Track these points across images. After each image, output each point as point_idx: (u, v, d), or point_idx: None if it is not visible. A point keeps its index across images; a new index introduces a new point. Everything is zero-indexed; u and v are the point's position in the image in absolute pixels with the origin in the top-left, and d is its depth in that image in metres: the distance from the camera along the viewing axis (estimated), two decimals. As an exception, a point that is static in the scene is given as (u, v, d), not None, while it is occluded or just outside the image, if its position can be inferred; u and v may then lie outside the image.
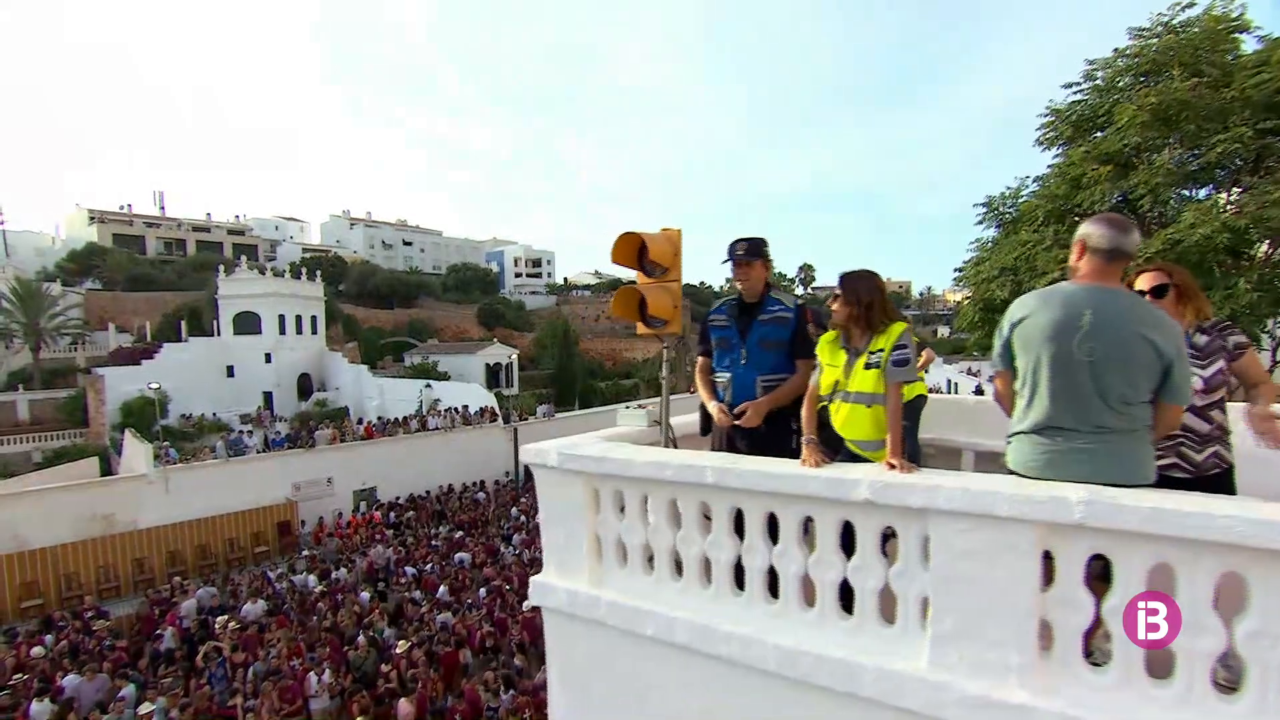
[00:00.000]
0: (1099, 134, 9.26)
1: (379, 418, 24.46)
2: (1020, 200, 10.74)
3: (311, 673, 10.61)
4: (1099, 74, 8.97)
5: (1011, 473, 2.28)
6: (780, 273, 77.99)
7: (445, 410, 25.24)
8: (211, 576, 17.46)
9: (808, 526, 2.54)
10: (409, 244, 73.60)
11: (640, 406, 3.47)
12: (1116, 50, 8.66)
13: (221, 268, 38.31)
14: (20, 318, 33.99)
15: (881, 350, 2.57)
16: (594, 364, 49.70)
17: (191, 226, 65.22)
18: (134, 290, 45.84)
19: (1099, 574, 1.98)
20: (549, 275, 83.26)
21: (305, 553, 18.25)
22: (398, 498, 22.13)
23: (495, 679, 10.21)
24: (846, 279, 2.66)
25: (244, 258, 42.47)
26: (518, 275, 78.40)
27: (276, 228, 69.85)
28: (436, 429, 23.63)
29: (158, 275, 49.40)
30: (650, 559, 2.93)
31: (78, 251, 50.11)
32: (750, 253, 3.08)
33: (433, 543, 17.81)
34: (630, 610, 2.84)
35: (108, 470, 26.27)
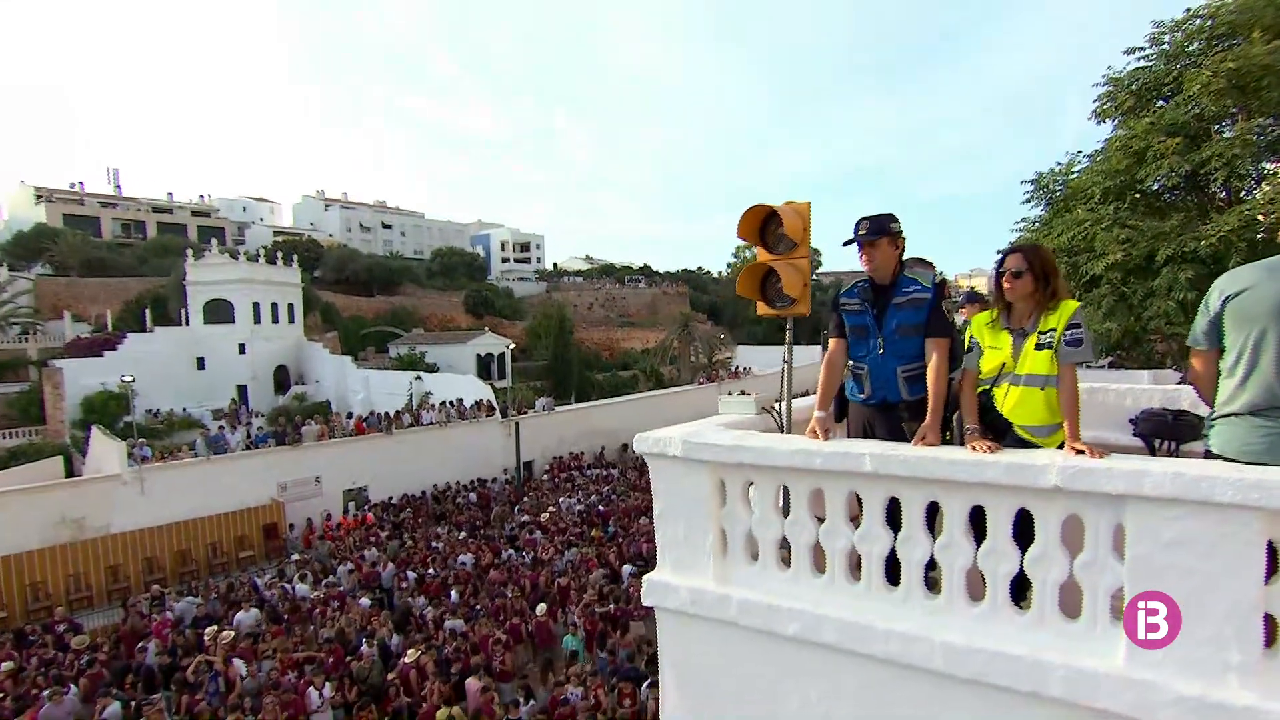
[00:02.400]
0: (1161, 103, 9.29)
1: (372, 412, 24.31)
2: (1071, 177, 10.76)
3: (312, 686, 10.59)
4: (1166, 38, 8.97)
5: (1215, 457, 2.28)
6: (785, 257, 77.88)
7: (439, 404, 25.13)
8: (194, 584, 17.35)
9: (932, 517, 2.56)
10: (389, 227, 73.07)
11: (744, 393, 3.44)
12: (1189, 11, 8.65)
13: (190, 251, 37.85)
14: (-40, 305, 33.50)
15: (1053, 330, 2.55)
16: (590, 355, 49.63)
17: (151, 207, 64.39)
18: (90, 276, 45.18)
19: None
20: (538, 260, 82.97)
21: (294, 557, 18.16)
22: (390, 498, 22.06)
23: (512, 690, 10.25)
24: (1025, 252, 2.64)
25: (213, 240, 41.97)
26: (505, 260, 78.10)
27: (245, 209, 69.13)
28: (431, 424, 23.52)
29: (116, 259, 48.73)
30: (782, 554, 2.92)
31: (25, 234, 49.27)
32: (874, 231, 2.97)
33: (433, 544, 17.78)
34: (767, 609, 2.83)
35: (71, 471, 26.01)
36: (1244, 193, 8.13)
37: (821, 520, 2.80)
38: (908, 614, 2.58)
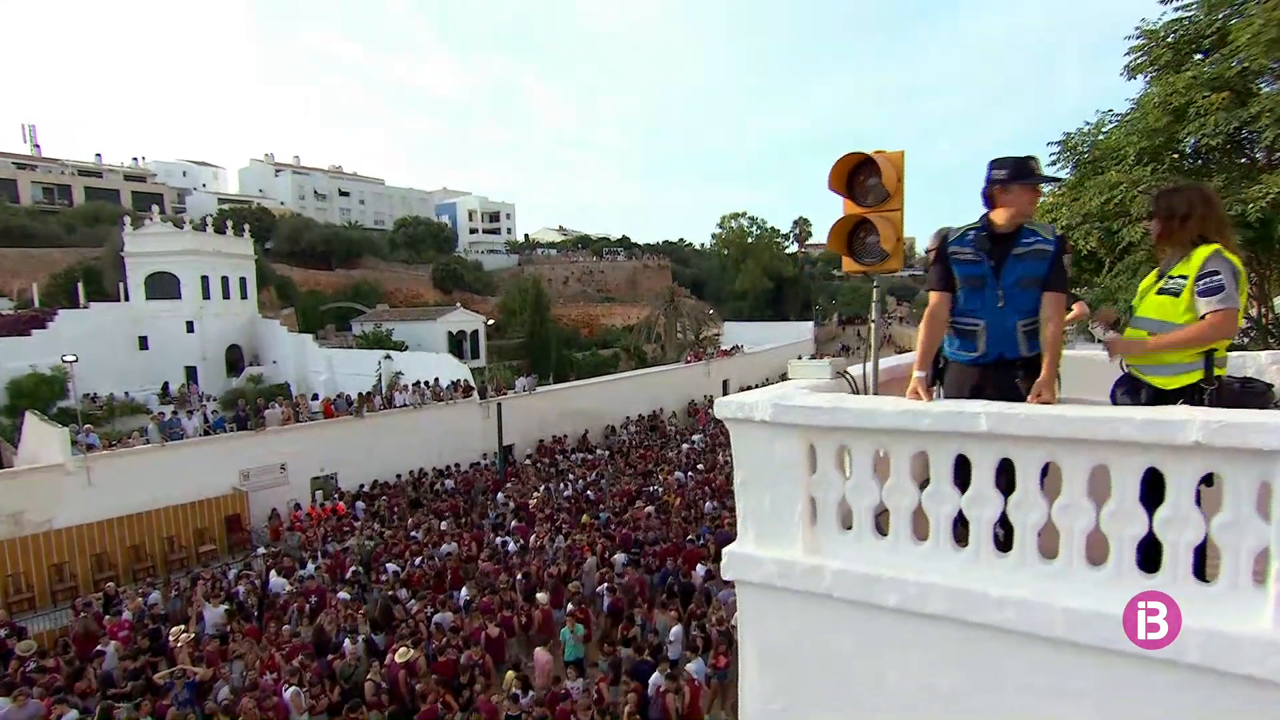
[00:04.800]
0: (1200, 56, 9.38)
1: (340, 394, 23.99)
2: (1100, 137, 10.87)
3: (292, 686, 10.54)
4: (1206, -15, 9.04)
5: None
6: (773, 227, 78.24)
7: (412, 385, 24.88)
8: (151, 580, 17.10)
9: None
10: (346, 194, 71.77)
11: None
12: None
13: (128, 220, 36.70)
14: None
15: (1183, 277, 2.58)
16: (568, 332, 49.49)
17: (77, 170, 62.37)
18: (8, 246, 43.67)
19: None
20: (509, 231, 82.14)
21: (261, 550, 17.96)
22: (362, 485, 21.87)
23: (514, 681, 10.31)
24: (1157, 195, 2.66)
25: (155, 208, 40.64)
26: (473, 231, 77.23)
27: (185, 173, 67.31)
28: (405, 406, 23.30)
29: (38, 228, 47.23)
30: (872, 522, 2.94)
31: (-75, 197, 47.46)
32: (1015, 174, 2.96)
33: (412, 534, 17.71)
34: (865, 579, 2.85)
35: (0, 462, 25.32)
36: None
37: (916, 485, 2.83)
38: (1022, 580, 2.62)
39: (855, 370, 3.65)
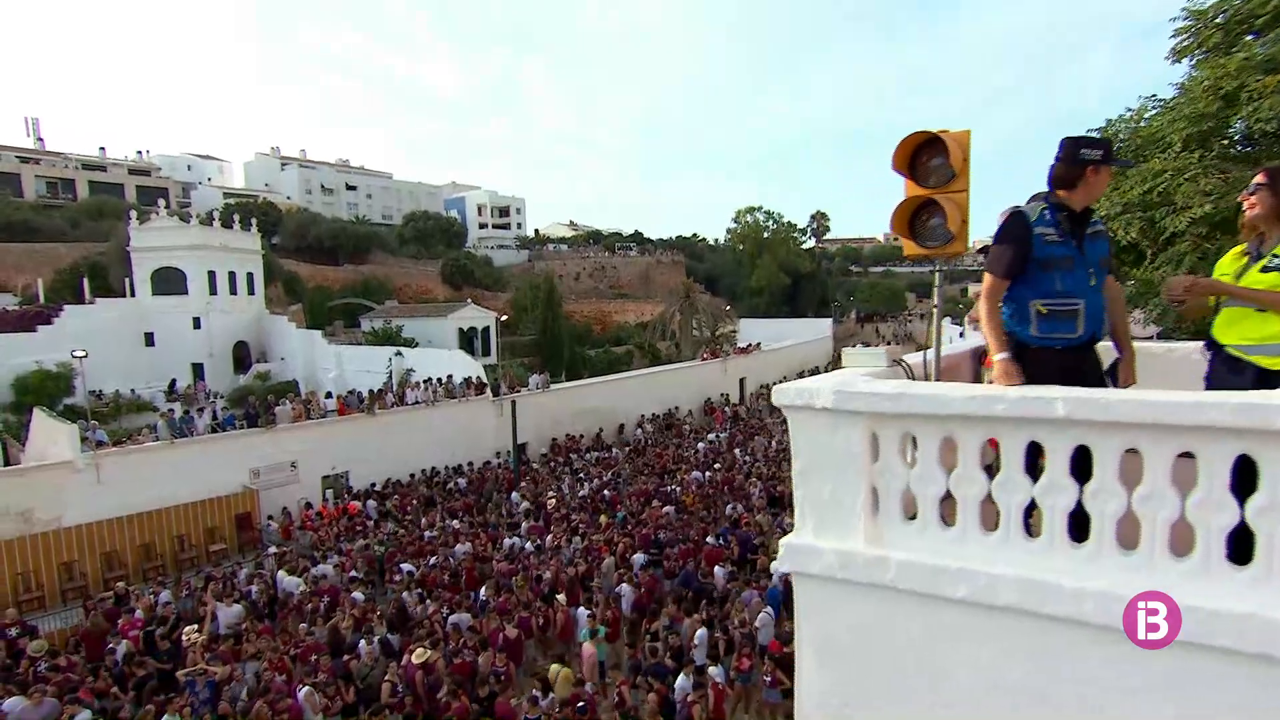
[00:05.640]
0: (1251, 37, 9.26)
1: (351, 391, 24.15)
2: (1141, 125, 10.76)
3: (307, 687, 10.62)
4: (1260, -37, 8.92)
5: None
6: (790, 222, 78.06)
7: (424, 382, 25.01)
8: (162, 579, 17.28)
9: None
10: (353, 188, 72.12)
11: (880, 342, 3.42)
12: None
13: (134, 214, 37.06)
14: None
15: None
16: (580, 329, 49.58)
17: (81, 163, 63.09)
18: (12, 241, 44.19)
19: None
20: (519, 226, 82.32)
21: (272, 550, 18.10)
22: (374, 484, 22.01)
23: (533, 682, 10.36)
24: (1270, 169, 2.65)
25: (160, 202, 41.06)
26: (483, 226, 77.43)
27: (189, 167, 67.93)
28: (417, 404, 23.43)
29: (42, 222, 47.81)
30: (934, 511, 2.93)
31: (-71, 190, 48.16)
32: (1107, 156, 3.04)
33: (427, 534, 17.80)
34: (930, 570, 2.84)
35: (6, 460, 25.65)
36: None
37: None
38: (1099, 571, 2.59)
39: (911, 359, 3.64)
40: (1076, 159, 3.04)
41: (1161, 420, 2.43)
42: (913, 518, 3.00)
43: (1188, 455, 2.47)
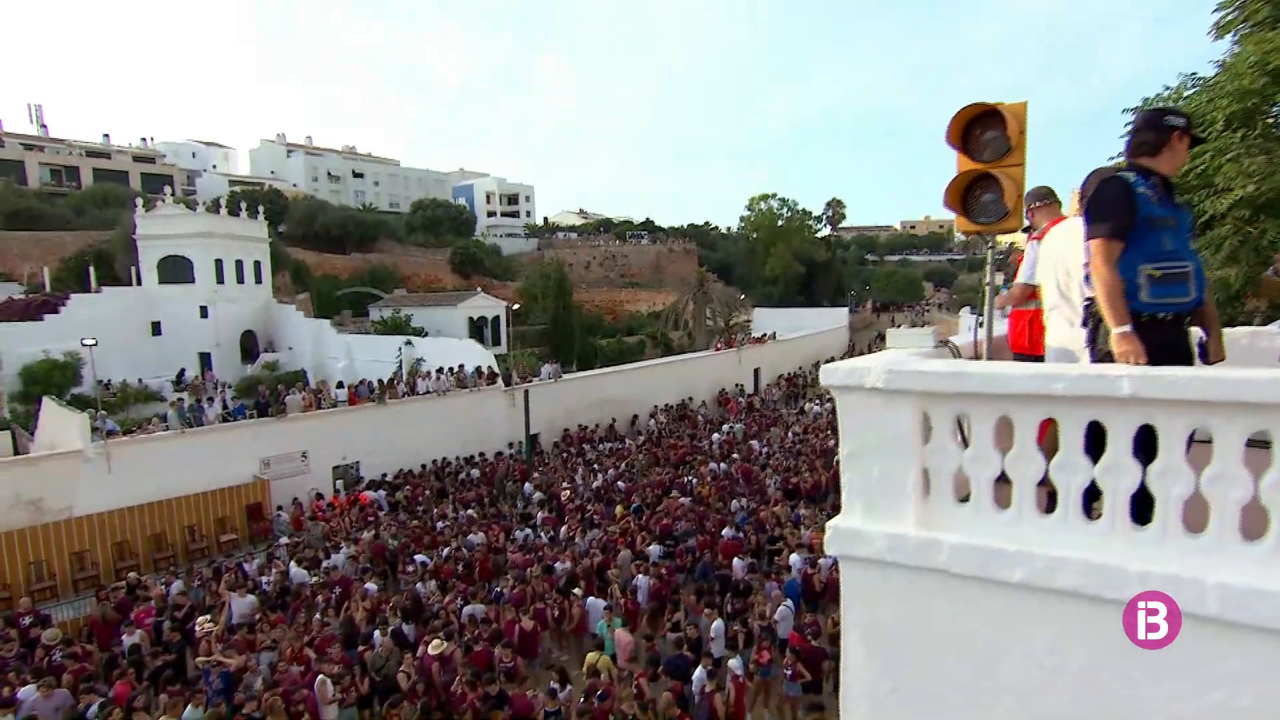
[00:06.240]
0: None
1: (362, 380, 24.29)
2: (1180, 103, 10.60)
3: (322, 677, 10.72)
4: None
5: None
6: (805, 209, 77.63)
7: (435, 371, 25.12)
8: (174, 569, 17.47)
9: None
10: (360, 176, 72.34)
11: (926, 323, 3.39)
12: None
13: (139, 202, 37.29)
14: None
15: None
16: (591, 318, 49.59)
17: (85, 151, 63.52)
18: (17, 229, 44.45)
19: None
20: (528, 214, 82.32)
21: (283, 540, 18.27)
22: (384, 474, 22.15)
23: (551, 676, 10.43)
24: None
25: (166, 189, 41.28)
26: (491, 214, 77.49)
27: (194, 154, 68.28)
28: (428, 393, 23.53)
29: (46, 210, 48.13)
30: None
31: (-67, 179, 48.56)
32: (1188, 126, 3.05)
33: (439, 525, 17.92)
34: (985, 554, 2.82)
35: (17, 449, 25.94)
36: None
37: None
38: (1165, 555, 2.56)
39: (958, 340, 3.60)
40: (1162, 125, 3.05)
41: (1237, 398, 2.40)
42: (964, 500, 2.98)
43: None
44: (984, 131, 3.17)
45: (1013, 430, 2.83)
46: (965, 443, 2.97)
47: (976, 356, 3.47)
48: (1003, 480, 2.90)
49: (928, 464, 2.99)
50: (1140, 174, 3.08)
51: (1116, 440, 2.63)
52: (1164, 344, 2.97)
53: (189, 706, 9.91)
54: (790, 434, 26.39)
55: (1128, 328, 2.87)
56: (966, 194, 3.26)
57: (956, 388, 2.82)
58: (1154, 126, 3.07)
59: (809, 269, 70.10)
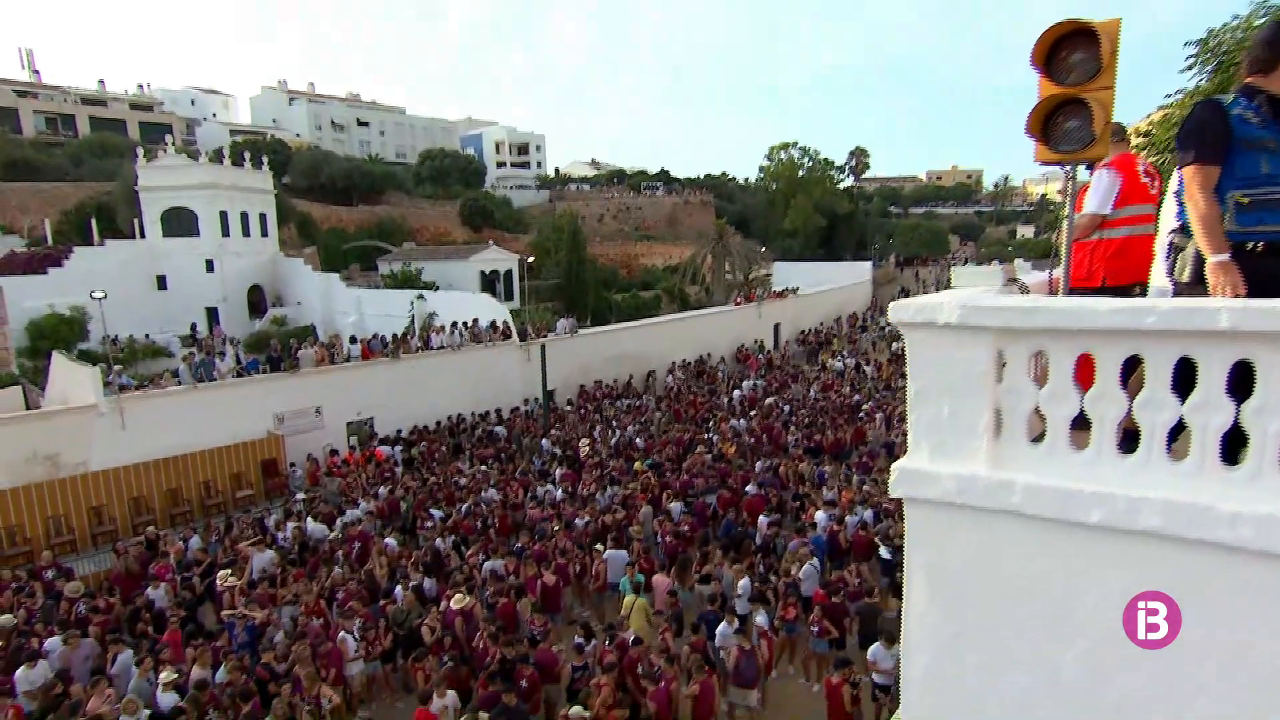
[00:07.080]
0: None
1: (375, 335, 24.40)
2: (1251, 33, 10.20)
3: (344, 631, 10.99)
4: None
5: None
6: (827, 159, 76.28)
7: (447, 326, 25.18)
8: (191, 525, 17.87)
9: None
10: (365, 124, 71.65)
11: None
12: None
13: (140, 152, 37.15)
14: None
15: None
16: (605, 272, 49.37)
17: (81, 98, 63.09)
18: (14, 180, 44.31)
19: None
20: (539, 165, 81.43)
21: (300, 496, 18.60)
22: (399, 430, 22.40)
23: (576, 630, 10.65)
24: None
25: (167, 139, 41.05)
26: (501, 165, 76.71)
27: (193, 102, 67.75)
28: (442, 348, 23.62)
29: (43, 161, 47.99)
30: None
31: (-80, 126, 48.36)
32: None
33: (458, 480, 18.16)
34: (1062, 494, 2.79)
35: (28, 404, 26.35)
36: None
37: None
38: (1259, 495, 2.53)
39: (1029, 279, 3.53)
40: (1277, 40, 2.92)
41: (1344, 329, 2.34)
42: (1037, 440, 2.95)
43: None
44: (1070, 53, 3.04)
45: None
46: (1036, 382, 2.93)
47: (1052, 293, 3.41)
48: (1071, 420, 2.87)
49: (1000, 403, 2.96)
50: (1245, 95, 2.97)
51: (1210, 376, 2.58)
52: (1253, 276, 2.88)
53: (221, 666, 10.20)
54: (811, 390, 26.40)
55: (1225, 256, 2.78)
56: (1047, 121, 3.14)
57: (1036, 323, 2.77)
58: (1268, 42, 2.94)
59: (830, 221, 69.20)
